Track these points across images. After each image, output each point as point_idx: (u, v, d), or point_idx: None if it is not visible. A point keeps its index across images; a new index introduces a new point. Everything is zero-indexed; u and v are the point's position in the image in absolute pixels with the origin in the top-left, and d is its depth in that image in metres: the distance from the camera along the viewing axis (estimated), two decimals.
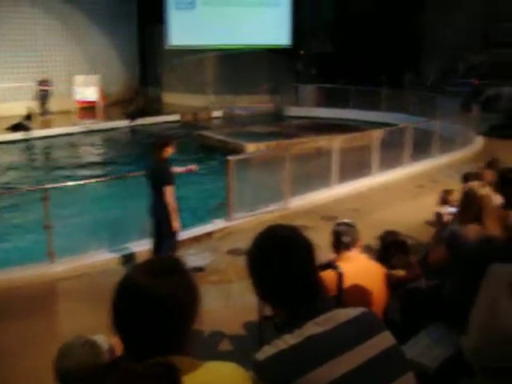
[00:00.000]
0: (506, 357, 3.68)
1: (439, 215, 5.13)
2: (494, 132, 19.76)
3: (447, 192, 6.11)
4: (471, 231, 4.06)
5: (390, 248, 5.14)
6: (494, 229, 4.08)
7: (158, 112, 26.81)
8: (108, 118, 24.94)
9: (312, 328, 1.76)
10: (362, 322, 1.85)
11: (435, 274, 4.95)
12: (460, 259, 4.19)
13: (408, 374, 1.84)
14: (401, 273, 4.94)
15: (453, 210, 4.90)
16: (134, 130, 23.74)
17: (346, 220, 4.79)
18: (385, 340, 1.85)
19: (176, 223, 7.27)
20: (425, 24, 31.71)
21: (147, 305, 1.62)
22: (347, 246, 4.34)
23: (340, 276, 3.88)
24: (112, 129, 23.52)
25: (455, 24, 28.36)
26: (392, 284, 4.70)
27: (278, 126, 23.86)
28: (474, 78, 26.72)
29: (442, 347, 4.08)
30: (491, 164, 6.86)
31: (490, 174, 5.89)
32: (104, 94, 26.54)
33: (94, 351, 2.72)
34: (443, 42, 29.45)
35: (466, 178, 6.33)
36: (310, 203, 11.24)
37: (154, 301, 1.63)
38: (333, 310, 1.85)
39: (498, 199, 4.21)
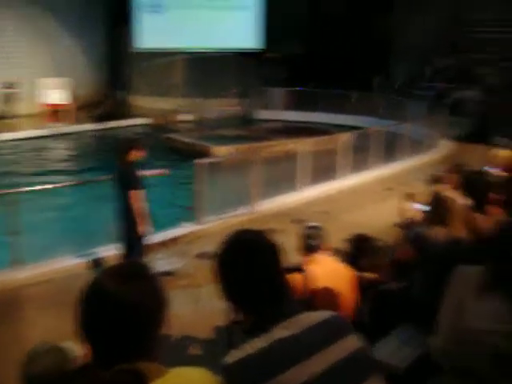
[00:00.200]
0: (472, 357, 3.72)
1: (403, 210, 5.15)
2: (468, 138, 20.07)
3: (410, 196, 6.16)
4: (438, 233, 4.10)
5: (359, 250, 5.16)
6: (460, 231, 4.13)
7: (126, 115, 26.57)
8: (76, 121, 24.67)
9: (280, 332, 1.76)
10: (330, 325, 1.85)
11: (404, 274, 4.99)
12: (427, 261, 4.23)
13: (376, 376, 1.85)
14: (370, 275, 4.97)
15: (418, 206, 4.93)
16: (101, 134, 23.50)
17: (314, 223, 4.80)
18: (352, 342, 1.85)
19: (143, 227, 7.21)
20: (394, 27, 32.06)
21: (114, 311, 1.61)
22: (316, 249, 4.35)
23: (308, 279, 3.89)
24: (80, 132, 23.25)
25: (423, 27, 28.72)
26: (362, 286, 4.72)
27: (247, 129, 23.90)
28: (441, 81, 27.10)
29: (410, 348, 4.11)
30: (457, 167, 6.95)
31: (455, 177, 5.97)
32: (72, 97, 26.26)
33: (63, 357, 2.68)
34: (411, 45, 29.79)
35: (433, 180, 6.40)
36: (279, 206, 11.26)
37: (121, 306, 1.61)
38: (301, 313, 1.84)
39: (464, 201, 4.25)
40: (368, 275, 4.89)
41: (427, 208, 4.42)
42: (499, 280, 3.67)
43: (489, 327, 3.60)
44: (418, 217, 4.78)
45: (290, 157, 12.98)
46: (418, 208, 4.73)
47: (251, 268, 1.85)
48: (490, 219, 4.41)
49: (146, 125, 25.70)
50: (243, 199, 10.90)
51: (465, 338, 3.72)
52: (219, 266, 1.94)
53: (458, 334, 3.75)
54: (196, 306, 6.77)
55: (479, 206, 4.52)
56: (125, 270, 1.73)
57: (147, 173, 7.78)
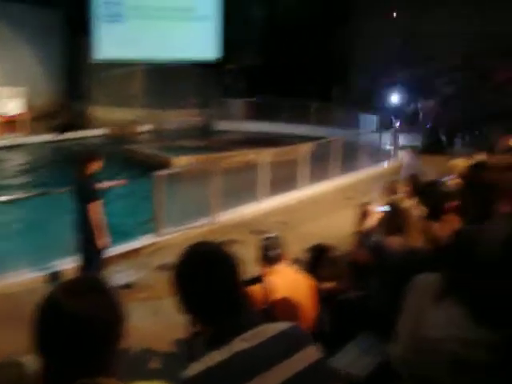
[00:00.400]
0: (431, 364, 3.77)
1: (361, 217, 5.17)
2: (426, 149, 20.38)
3: (365, 205, 6.21)
4: (394, 242, 4.15)
5: (318, 260, 5.18)
6: (416, 240, 4.18)
7: (84, 126, 26.28)
8: (32, 131, 24.25)
9: (239, 344, 1.75)
10: (289, 337, 1.85)
11: (362, 281, 5.03)
12: (384, 270, 4.27)
13: None
14: (330, 285, 4.99)
15: (380, 208, 4.96)
16: (59, 145, 23.17)
17: (271, 234, 4.81)
18: (311, 354, 1.85)
19: (102, 240, 7.12)
20: (352, 38, 32.50)
21: (69, 326, 1.59)
22: (275, 260, 4.35)
23: (268, 290, 3.89)
24: (35, 143, 22.88)
25: (381, 39, 29.20)
26: (322, 296, 4.74)
27: (207, 140, 23.87)
28: (397, 93, 27.56)
29: (370, 357, 4.14)
30: (412, 177, 7.05)
31: (410, 186, 6.05)
32: (28, 108, 25.81)
33: (20, 372, 2.62)
34: (369, 56, 30.25)
35: (387, 189, 6.47)
36: (239, 217, 11.26)
37: (76, 321, 1.59)
38: (260, 324, 1.84)
39: (419, 211, 4.32)
40: (327, 285, 4.92)
41: (387, 208, 4.46)
42: (455, 287, 3.73)
43: (447, 335, 3.65)
44: (376, 224, 4.82)
45: (251, 167, 13.00)
46: (378, 212, 4.76)
47: (209, 280, 1.85)
48: (446, 227, 4.48)
49: (105, 136, 25.45)
50: (203, 210, 10.86)
51: (423, 346, 3.76)
52: (177, 277, 1.93)
53: (417, 342, 3.80)
54: (156, 318, 6.70)
55: (435, 214, 4.58)
56: (80, 285, 1.71)
57: (105, 184, 7.69)
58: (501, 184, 3.71)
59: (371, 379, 3.91)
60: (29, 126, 24.81)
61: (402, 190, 5.72)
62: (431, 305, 3.79)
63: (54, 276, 7.93)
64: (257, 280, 4.23)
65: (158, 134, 25.93)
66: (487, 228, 3.60)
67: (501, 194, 3.76)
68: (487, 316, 3.59)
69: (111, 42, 28.26)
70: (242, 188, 12.45)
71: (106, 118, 27.41)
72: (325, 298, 4.80)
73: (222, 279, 1.87)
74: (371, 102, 28.16)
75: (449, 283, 3.72)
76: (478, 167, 3.82)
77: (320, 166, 14.72)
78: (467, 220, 4.09)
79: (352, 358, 4.12)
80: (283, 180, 13.28)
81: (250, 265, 4.70)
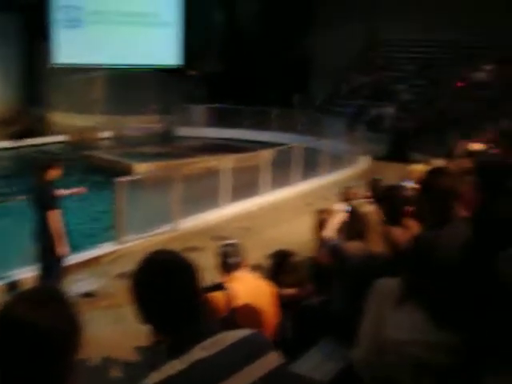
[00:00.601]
0: (393, 367, 3.81)
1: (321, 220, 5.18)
2: (387, 156, 20.62)
3: (323, 212, 6.24)
4: (354, 247, 4.19)
5: (280, 266, 5.18)
6: (376, 245, 4.23)
7: (43, 132, 25.87)
8: None
9: (199, 352, 1.74)
10: (249, 344, 1.84)
11: (324, 285, 5.05)
12: (345, 275, 4.30)
13: None
14: (291, 291, 5.00)
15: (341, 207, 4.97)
16: (17, 152, 22.77)
17: (231, 241, 4.81)
18: (272, 360, 1.85)
19: (61, 248, 7.01)
20: (312, 46, 32.78)
21: (26, 337, 1.57)
22: (235, 267, 4.34)
23: (230, 297, 3.88)
24: None
25: (341, 46, 29.51)
26: (284, 302, 4.75)
27: (168, 146, 23.77)
28: (357, 99, 27.85)
29: (333, 361, 4.15)
30: (373, 182, 7.13)
31: (368, 191, 6.12)
32: None
33: None
34: (330, 63, 30.54)
35: (344, 196, 6.52)
36: (200, 224, 11.23)
37: (34, 332, 1.57)
38: (219, 332, 1.84)
39: (379, 215, 4.36)
40: (289, 291, 4.93)
41: (346, 213, 4.48)
42: (414, 292, 3.79)
43: (409, 338, 3.70)
44: (336, 229, 4.85)
45: (212, 174, 12.98)
46: (338, 217, 4.78)
47: (168, 289, 1.83)
48: (406, 232, 4.54)
49: (64, 142, 25.12)
50: (165, 217, 10.80)
51: (385, 349, 3.81)
52: (135, 287, 1.91)
53: (379, 345, 3.84)
54: (117, 326, 6.62)
55: (394, 219, 4.64)
56: (38, 295, 1.69)
57: (64, 192, 7.59)
58: (457, 189, 3.77)
59: None
60: None
61: (360, 196, 5.76)
62: (392, 309, 3.83)
63: (13, 285, 7.77)
64: (218, 287, 4.22)
65: (119, 141, 25.70)
66: (445, 233, 3.66)
67: (457, 199, 3.82)
68: (447, 320, 3.65)
69: (71, 48, 27.90)
70: (204, 194, 12.42)
71: (66, 124, 27.04)
72: (287, 304, 4.81)
73: (181, 288, 1.85)
74: (333, 108, 28.40)
75: (408, 288, 3.77)
76: (434, 173, 3.87)
77: (282, 173, 14.79)
78: (426, 225, 4.14)
79: (314, 364, 4.14)
80: (245, 186, 13.29)
81: (211, 272, 4.70)
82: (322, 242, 4.79)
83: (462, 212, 5.21)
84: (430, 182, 3.78)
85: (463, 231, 3.70)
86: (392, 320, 3.81)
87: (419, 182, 3.95)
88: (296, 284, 5.13)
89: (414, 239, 3.86)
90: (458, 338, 3.63)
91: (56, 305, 1.65)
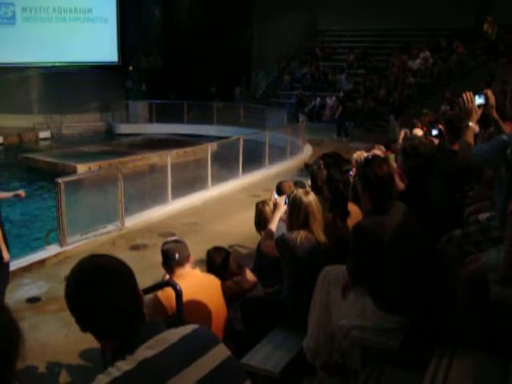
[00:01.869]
0: (344, 352, 3.89)
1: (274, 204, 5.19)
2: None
3: (263, 203, 6.28)
4: (299, 237, 4.23)
5: (223, 266, 5.13)
6: (320, 234, 4.28)
7: None
8: None
9: (144, 352, 1.73)
10: (195, 339, 1.84)
11: (273, 278, 5.08)
12: (291, 265, 4.35)
13: (246, 383, 1.87)
14: (239, 282, 5.00)
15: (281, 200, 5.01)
16: None
17: (173, 237, 4.77)
18: (220, 353, 1.86)
19: (5, 253, 6.82)
20: (252, 38, 32.84)
21: None
22: (179, 263, 4.31)
23: (179, 293, 3.87)
24: None
25: (280, 37, 29.67)
26: (232, 294, 4.77)
27: (109, 144, 23.50)
28: (299, 89, 28.08)
29: (283, 351, 4.19)
30: (312, 171, 7.19)
31: (311, 181, 6.16)
32: None
33: None
34: (270, 55, 30.68)
35: (279, 188, 6.57)
36: (146, 221, 11.13)
37: None
38: (164, 331, 1.83)
39: (318, 203, 4.41)
40: (236, 283, 4.93)
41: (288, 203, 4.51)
42: (358, 278, 3.87)
43: (357, 324, 3.78)
44: (280, 218, 4.88)
45: (156, 170, 12.87)
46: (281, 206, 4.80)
47: (102, 295, 1.78)
48: (350, 220, 4.61)
49: (1, 144, 24.48)
50: (110, 216, 10.66)
51: (336, 336, 3.88)
52: (68, 296, 1.85)
53: (329, 332, 3.91)
54: (68, 330, 6.50)
55: (337, 207, 4.71)
56: None
57: (2, 195, 7.41)
58: (391, 176, 3.86)
59: (286, 374, 3.97)
60: None
61: (296, 187, 5.79)
62: (339, 296, 3.91)
63: None
64: (164, 284, 4.20)
65: (59, 141, 25.20)
66: (383, 220, 3.75)
67: (393, 185, 3.92)
68: (389, 304, 3.75)
69: (3, 46, 27.18)
70: (148, 191, 12.33)
71: (2, 125, 26.31)
72: (235, 297, 4.83)
73: (116, 292, 1.80)
74: (274, 99, 28.56)
75: (351, 274, 3.85)
76: (368, 162, 3.95)
77: (225, 166, 14.80)
78: (364, 212, 4.22)
79: (265, 354, 4.16)
80: (189, 181, 13.26)
81: (160, 269, 4.67)
82: (267, 234, 4.81)
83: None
84: (364, 171, 3.86)
85: (396, 219, 3.80)
86: (340, 307, 3.89)
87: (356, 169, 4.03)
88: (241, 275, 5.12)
89: (353, 227, 3.94)
90: (402, 321, 3.74)
91: None
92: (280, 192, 5.82)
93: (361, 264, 3.81)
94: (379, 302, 3.77)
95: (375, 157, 4.39)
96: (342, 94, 24.85)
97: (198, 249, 6.03)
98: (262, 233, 5.20)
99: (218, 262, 5.02)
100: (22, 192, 7.70)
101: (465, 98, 3.79)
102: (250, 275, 5.03)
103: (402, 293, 3.74)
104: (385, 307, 3.75)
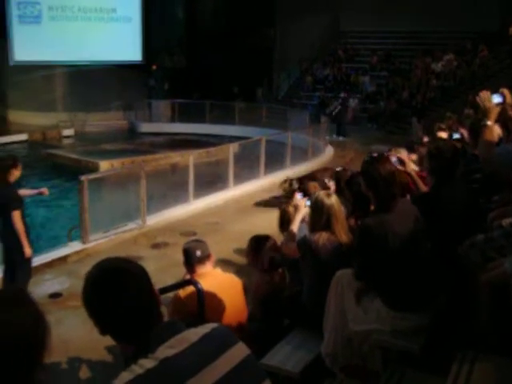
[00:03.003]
0: (364, 356, 3.88)
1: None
2: None
3: (287, 203, 6.26)
4: (322, 238, 4.23)
5: (258, 251, 5.14)
6: (342, 235, 4.28)
7: (3, 131, 25.39)
8: None
9: (165, 351, 1.75)
10: (215, 338, 1.86)
11: (294, 278, 5.09)
12: (312, 266, 4.35)
13: (265, 382, 1.88)
14: (264, 280, 5.02)
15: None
16: None
17: (195, 237, 4.80)
18: (239, 352, 1.87)
19: (27, 249, 6.91)
20: (275, 39, 32.83)
21: None
22: (201, 260, 4.31)
23: (200, 292, 3.88)
24: None
25: (303, 39, 29.59)
26: (255, 294, 4.79)
27: (131, 143, 23.63)
28: (321, 91, 28.01)
29: (303, 352, 4.20)
30: (337, 173, 7.17)
31: (335, 182, 6.14)
32: None
33: None
34: (293, 56, 30.62)
35: (303, 188, 6.55)
36: (168, 220, 11.18)
37: (2, 337, 1.55)
38: (184, 330, 1.84)
39: (342, 206, 4.42)
40: (261, 279, 4.95)
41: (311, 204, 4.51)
42: (363, 279, 3.87)
43: (375, 327, 3.77)
44: (303, 220, 4.89)
45: (178, 169, 12.91)
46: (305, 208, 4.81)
47: (119, 298, 1.81)
48: None
49: (26, 141, 24.72)
50: (132, 214, 10.73)
51: (355, 340, 3.87)
52: (85, 300, 1.88)
53: (347, 336, 3.90)
54: (86, 326, 6.55)
55: (358, 208, 4.71)
56: (2, 298, 1.68)
57: (27, 192, 7.49)
58: (394, 176, 3.86)
59: (305, 375, 3.98)
60: None
61: (320, 188, 5.79)
62: (353, 300, 3.90)
63: None
64: (186, 283, 4.21)
65: (82, 138, 25.40)
66: (389, 218, 3.75)
67: (397, 184, 3.92)
68: (399, 302, 3.74)
69: (29, 45, 27.43)
70: (170, 190, 12.38)
71: (27, 122, 26.61)
72: (257, 296, 4.85)
73: (133, 294, 1.83)
74: (296, 100, 28.50)
75: (356, 277, 3.85)
76: (371, 161, 3.96)
77: (247, 166, 14.82)
78: (372, 212, 4.21)
79: (285, 355, 4.18)
80: (210, 181, 13.29)
81: (180, 267, 4.69)
82: (288, 236, 4.82)
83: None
84: (367, 170, 3.87)
85: (407, 216, 3.79)
86: (355, 312, 3.88)
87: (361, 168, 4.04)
88: (274, 269, 5.14)
89: (358, 226, 3.94)
90: (418, 319, 3.73)
91: (23, 306, 1.65)
92: (305, 192, 5.81)
93: (366, 263, 3.80)
94: (389, 301, 3.76)
95: (379, 155, 4.38)
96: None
97: (218, 248, 6.06)
98: (285, 233, 5.19)
99: (254, 250, 5.05)
100: (45, 190, 7.79)
101: (482, 96, 3.77)
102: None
103: (410, 289, 3.74)
104: (396, 306, 3.75)
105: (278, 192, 12.02)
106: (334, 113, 23.78)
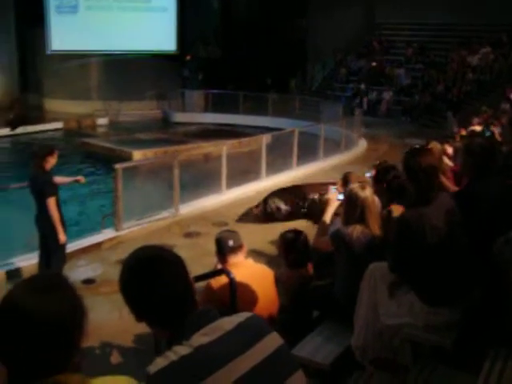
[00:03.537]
0: (395, 350, 3.87)
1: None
2: None
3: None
4: (355, 231, 4.21)
5: (293, 245, 5.15)
6: (376, 228, 4.26)
7: (39, 119, 25.77)
8: None
9: (200, 339, 1.76)
10: (249, 327, 1.87)
11: (325, 268, 5.08)
12: (346, 259, 4.33)
13: (298, 372, 1.89)
14: (295, 273, 5.02)
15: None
16: (15, 139, 22.69)
17: (228, 227, 4.81)
18: (272, 341, 1.88)
19: (63, 235, 7.03)
20: (309, 31, 32.66)
21: (31, 324, 1.58)
22: (233, 250, 4.32)
23: (233, 281, 3.90)
24: None
25: (336, 30, 29.40)
26: (286, 285, 4.80)
27: (165, 132, 23.75)
28: (355, 82, 27.82)
29: (333, 344, 4.20)
30: (377, 165, 7.10)
31: (373, 174, 6.08)
32: None
33: None
34: (326, 48, 30.44)
35: (343, 180, 6.50)
36: (200, 209, 11.23)
37: (38, 319, 1.58)
38: (218, 319, 1.86)
39: (377, 199, 4.39)
40: (292, 273, 4.95)
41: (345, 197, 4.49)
42: (398, 272, 3.84)
43: (407, 322, 3.75)
44: (336, 213, 4.87)
45: (211, 159, 12.95)
46: (338, 201, 4.80)
47: (156, 285, 1.84)
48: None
49: (61, 129, 25.04)
50: (165, 203, 10.81)
51: (386, 334, 3.86)
52: (123, 287, 1.92)
53: (378, 330, 3.89)
54: (120, 312, 6.63)
55: (393, 200, 4.68)
56: (41, 282, 1.70)
57: (63, 180, 7.60)
58: (435, 168, 3.83)
59: (335, 367, 3.98)
60: None
61: (361, 179, 5.75)
62: (386, 293, 3.88)
63: (14, 273, 7.80)
64: (218, 273, 4.24)
65: (116, 127, 25.62)
66: (428, 212, 3.71)
67: (437, 177, 3.88)
68: (434, 297, 3.71)
69: (66, 34, 27.81)
70: (202, 180, 12.43)
71: (62, 111, 26.95)
72: (289, 287, 4.85)
73: (169, 282, 1.86)
74: (330, 92, 28.36)
75: (391, 270, 3.82)
76: (412, 153, 3.92)
77: (279, 157, 14.80)
78: (409, 205, 4.17)
79: (315, 346, 4.18)
80: (243, 171, 13.30)
81: (212, 256, 4.72)
82: (320, 230, 4.81)
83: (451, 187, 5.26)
84: (408, 162, 3.84)
85: (446, 210, 3.75)
86: (388, 306, 3.86)
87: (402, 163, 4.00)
88: (305, 263, 5.14)
89: (397, 219, 3.91)
90: (452, 314, 3.70)
91: (61, 291, 1.67)
92: (344, 182, 5.73)
93: (402, 257, 3.78)
94: (424, 296, 3.73)
95: (416, 149, 4.34)
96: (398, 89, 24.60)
97: (251, 239, 6.07)
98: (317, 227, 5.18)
99: (288, 245, 5.06)
100: (81, 178, 7.91)
101: None
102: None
103: (446, 284, 3.70)
104: (431, 301, 3.72)
105: None
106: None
